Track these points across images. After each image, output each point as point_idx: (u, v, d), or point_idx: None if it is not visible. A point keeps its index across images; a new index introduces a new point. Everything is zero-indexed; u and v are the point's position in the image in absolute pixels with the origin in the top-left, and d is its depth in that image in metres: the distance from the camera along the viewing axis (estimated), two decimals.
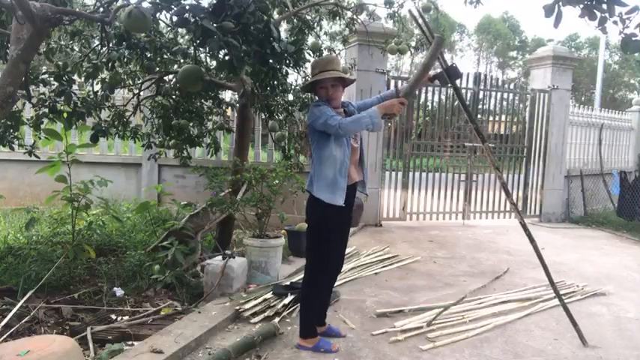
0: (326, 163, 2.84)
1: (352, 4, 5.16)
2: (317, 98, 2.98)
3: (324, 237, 2.93)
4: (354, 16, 5.13)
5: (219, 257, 3.85)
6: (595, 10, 2.18)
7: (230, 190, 4.80)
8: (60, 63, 3.39)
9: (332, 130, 2.75)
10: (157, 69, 4.39)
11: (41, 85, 3.45)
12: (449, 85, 3.14)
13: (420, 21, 3.18)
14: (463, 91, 8.13)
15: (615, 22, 2.20)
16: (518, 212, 3.66)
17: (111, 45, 3.47)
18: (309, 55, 4.81)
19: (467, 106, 3.39)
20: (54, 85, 3.40)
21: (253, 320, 3.37)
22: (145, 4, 2.30)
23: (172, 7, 2.19)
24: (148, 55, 3.97)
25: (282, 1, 4.34)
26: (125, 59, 3.95)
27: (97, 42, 4.06)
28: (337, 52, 5.76)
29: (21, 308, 3.18)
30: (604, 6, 2.17)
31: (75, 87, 3.52)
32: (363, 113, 2.79)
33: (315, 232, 2.95)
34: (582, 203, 8.93)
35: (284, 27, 5.45)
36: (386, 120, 3.05)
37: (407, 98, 2.91)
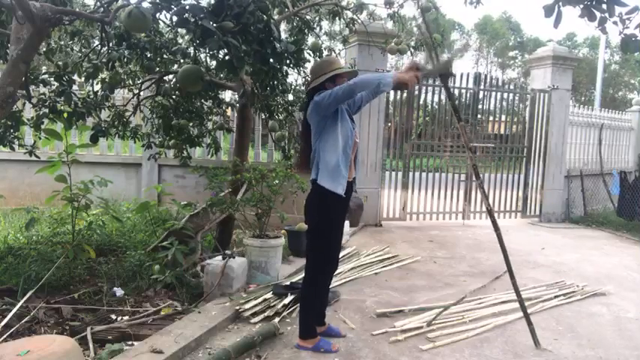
0: (330, 150, 2.84)
1: (352, 4, 5.16)
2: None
3: (325, 235, 2.93)
4: (354, 16, 5.13)
5: (219, 257, 3.85)
6: (595, 11, 2.18)
7: (230, 190, 4.80)
8: (60, 63, 3.40)
9: (346, 92, 2.72)
10: (157, 69, 4.39)
11: (41, 85, 3.46)
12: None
13: (426, 33, 3.25)
14: (463, 90, 8.14)
15: (615, 23, 2.20)
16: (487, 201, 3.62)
17: (111, 45, 3.47)
18: (309, 55, 4.81)
19: (452, 97, 3.46)
20: (54, 85, 3.40)
21: (253, 320, 3.37)
22: (145, 4, 2.31)
23: (172, 7, 2.19)
24: (148, 55, 3.97)
25: (282, 1, 4.34)
26: (125, 59, 3.95)
27: (97, 42, 4.07)
28: (337, 52, 5.77)
29: (21, 308, 3.18)
30: (604, 6, 2.17)
31: (75, 87, 3.52)
32: (370, 76, 2.82)
33: (315, 231, 2.95)
34: (582, 203, 8.93)
35: (284, 27, 5.45)
36: (399, 89, 3.07)
37: (421, 77, 2.93)
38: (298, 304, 3.61)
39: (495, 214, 8.20)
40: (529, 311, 3.72)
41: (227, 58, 2.25)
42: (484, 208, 8.26)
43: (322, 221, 2.91)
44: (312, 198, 2.93)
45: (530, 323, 3.17)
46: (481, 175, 3.37)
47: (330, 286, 4.16)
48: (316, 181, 2.87)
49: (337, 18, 5.05)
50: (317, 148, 2.90)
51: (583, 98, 33.61)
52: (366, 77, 2.81)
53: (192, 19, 2.08)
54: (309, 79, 3.10)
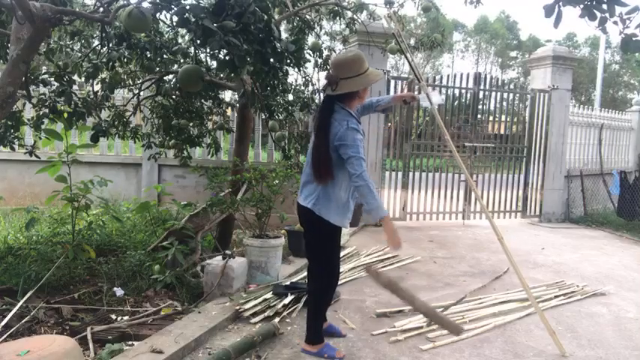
0: (341, 185, 2.75)
1: (352, 4, 5.16)
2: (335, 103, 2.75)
3: (332, 246, 2.93)
4: (354, 16, 5.12)
5: (219, 257, 3.85)
6: (595, 11, 2.18)
7: (230, 190, 4.80)
8: (60, 63, 3.39)
9: (350, 169, 2.59)
10: (157, 69, 4.39)
11: (41, 85, 3.45)
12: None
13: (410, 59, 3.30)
14: (463, 91, 8.14)
15: (615, 23, 2.20)
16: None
17: (111, 45, 3.47)
18: (310, 55, 4.80)
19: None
20: (54, 85, 3.40)
21: (253, 320, 3.37)
22: (145, 4, 2.31)
23: (172, 7, 2.19)
24: (148, 55, 3.97)
25: (282, 1, 4.34)
26: (125, 59, 3.95)
27: (97, 42, 4.07)
28: (337, 52, 5.76)
29: (21, 308, 3.18)
30: (604, 6, 2.17)
31: (75, 87, 3.52)
32: (376, 198, 2.61)
33: (322, 243, 2.91)
34: (582, 203, 8.93)
35: (284, 27, 5.45)
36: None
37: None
38: (298, 304, 3.62)
39: (495, 214, 8.30)
40: (528, 312, 3.75)
41: (228, 57, 2.25)
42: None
43: (331, 243, 2.91)
44: (317, 225, 2.79)
45: (552, 332, 3.16)
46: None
47: None
48: (319, 214, 2.74)
49: (337, 18, 5.04)
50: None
51: (583, 98, 33.62)
52: (371, 195, 2.59)
53: (193, 19, 2.08)
54: (331, 71, 2.78)
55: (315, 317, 2.98)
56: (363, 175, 2.58)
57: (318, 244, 2.92)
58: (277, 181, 4.50)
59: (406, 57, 3.24)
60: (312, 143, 2.82)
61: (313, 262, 3.00)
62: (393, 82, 7.56)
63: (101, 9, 2.65)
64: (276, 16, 4.34)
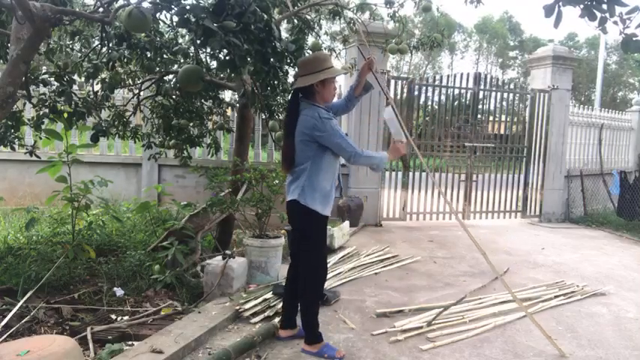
0: (325, 175, 2.86)
1: (353, 4, 5.15)
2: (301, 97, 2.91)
3: (321, 242, 2.99)
4: (354, 16, 5.12)
5: (219, 257, 3.85)
6: (595, 11, 2.18)
7: (230, 190, 4.80)
8: (60, 63, 3.39)
9: (343, 154, 2.82)
10: (157, 69, 4.39)
11: (41, 85, 3.45)
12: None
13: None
14: (463, 91, 8.14)
15: (615, 23, 2.19)
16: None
17: (111, 45, 3.47)
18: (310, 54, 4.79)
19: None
20: (54, 85, 3.40)
21: (253, 320, 3.37)
22: (145, 4, 2.31)
23: (172, 7, 2.19)
24: (148, 55, 3.97)
25: (282, 1, 4.34)
26: (125, 59, 3.95)
27: (97, 42, 4.06)
28: (337, 52, 5.76)
29: (21, 308, 3.18)
30: (604, 6, 2.17)
31: (75, 87, 3.52)
32: (376, 155, 2.93)
33: (309, 235, 2.95)
34: (582, 203, 8.93)
35: (284, 27, 5.45)
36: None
37: (402, 140, 3.02)
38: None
39: (495, 214, 8.31)
40: (529, 311, 3.74)
41: (229, 57, 2.25)
42: (484, 208, 8.30)
43: (319, 234, 2.97)
44: (306, 216, 2.88)
45: (548, 336, 3.18)
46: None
47: (330, 286, 4.17)
48: (305, 204, 2.84)
49: (337, 18, 5.04)
50: (307, 170, 2.84)
51: (583, 98, 33.63)
52: (367, 159, 2.89)
53: (194, 19, 2.08)
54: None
55: (310, 317, 2.99)
56: (356, 157, 2.81)
57: (305, 236, 2.96)
58: (277, 181, 4.50)
59: (373, 74, 3.16)
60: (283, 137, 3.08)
61: (301, 258, 3.00)
62: (393, 82, 7.55)
63: (101, 9, 2.65)
64: (276, 16, 4.34)
